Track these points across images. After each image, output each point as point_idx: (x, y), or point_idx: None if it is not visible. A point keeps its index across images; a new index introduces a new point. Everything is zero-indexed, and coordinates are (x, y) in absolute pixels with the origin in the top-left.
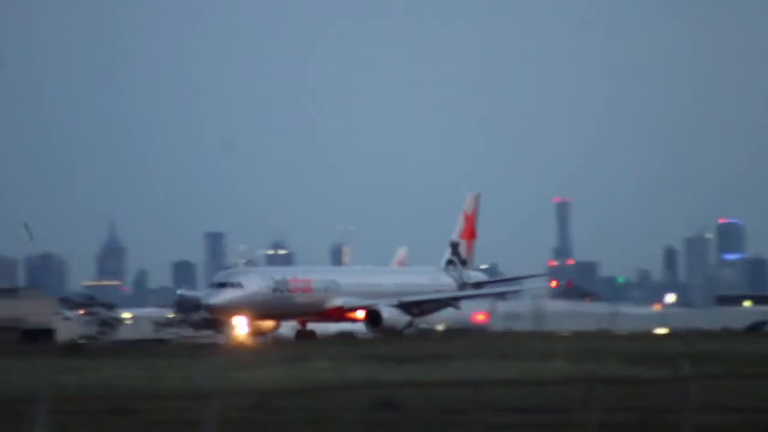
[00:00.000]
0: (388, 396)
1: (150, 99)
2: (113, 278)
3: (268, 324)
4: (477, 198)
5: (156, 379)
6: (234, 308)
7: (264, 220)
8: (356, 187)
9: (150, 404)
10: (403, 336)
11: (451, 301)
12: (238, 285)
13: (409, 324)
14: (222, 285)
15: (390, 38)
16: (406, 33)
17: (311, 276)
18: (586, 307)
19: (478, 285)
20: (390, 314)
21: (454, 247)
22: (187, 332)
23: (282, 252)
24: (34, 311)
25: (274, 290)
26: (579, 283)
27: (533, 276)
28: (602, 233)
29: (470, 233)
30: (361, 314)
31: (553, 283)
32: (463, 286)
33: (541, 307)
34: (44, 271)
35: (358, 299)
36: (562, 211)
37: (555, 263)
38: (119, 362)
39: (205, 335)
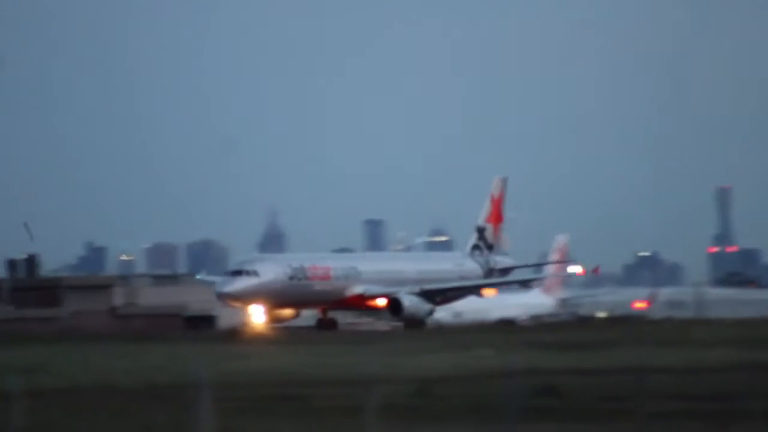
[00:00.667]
0: (549, 383)
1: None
2: None
3: (287, 312)
4: (504, 181)
5: (319, 366)
6: (249, 297)
7: (423, 207)
8: (512, 172)
9: (313, 390)
10: (425, 324)
11: (474, 289)
12: (254, 273)
13: (431, 312)
14: (237, 273)
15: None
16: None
17: (330, 263)
18: (749, 294)
19: (505, 271)
20: (411, 302)
21: (480, 231)
22: (351, 318)
23: (441, 239)
24: (195, 298)
25: (291, 278)
26: (741, 270)
27: (561, 262)
28: (766, 220)
29: (497, 217)
30: (382, 302)
31: (580, 270)
32: (489, 272)
33: (702, 294)
34: (205, 258)
35: (379, 287)
36: (723, 197)
37: (715, 250)
38: (282, 348)
39: (368, 321)
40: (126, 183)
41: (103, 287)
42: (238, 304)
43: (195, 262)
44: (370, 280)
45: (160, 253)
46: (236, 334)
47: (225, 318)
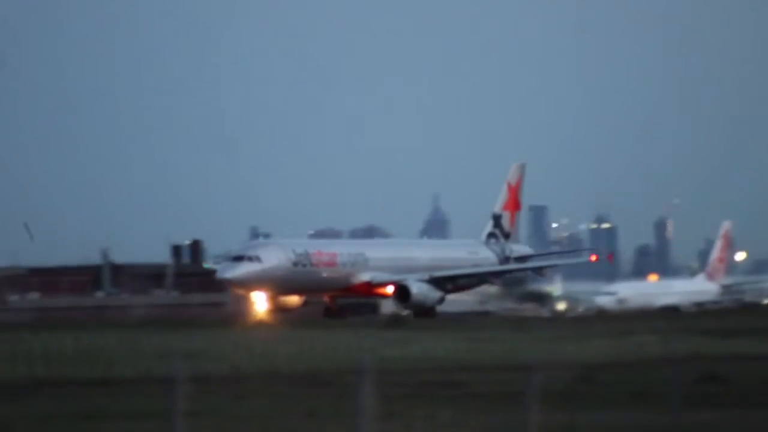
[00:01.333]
0: (713, 370)
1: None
2: None
3: (293, 300)
4: (522, 168)
5: (479, 351)
6: (251, 283)
7: (588, 194)
8: (683, 160)
9: (473, 376)
10: (434, 313)
11: (487, 277)
12: (256, 259)
13: (441, 300)
14: (239, 258)
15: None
16: None
17: (337, 249)
18: None
19: (522, 259)
20: (419, 290)
21: (496, 219)
22: (511, 305)
23: (605, 226)
24: None
25: (296, 264)
26: None
27: (577, 250)
28: None
29: (514, 204)
30: (390, 290)
31: (593, 258)
32: (505, 260)
33: None
34: None
35: (387, 274)
36: None
37: None
38: (442, 335)
39: (529, 308)
40: (291, 169)
41: None
42: (239, 291)
43: None
44: (378, 267)
45: (323, 239)
46: (397, 320)
47: (387, 304)
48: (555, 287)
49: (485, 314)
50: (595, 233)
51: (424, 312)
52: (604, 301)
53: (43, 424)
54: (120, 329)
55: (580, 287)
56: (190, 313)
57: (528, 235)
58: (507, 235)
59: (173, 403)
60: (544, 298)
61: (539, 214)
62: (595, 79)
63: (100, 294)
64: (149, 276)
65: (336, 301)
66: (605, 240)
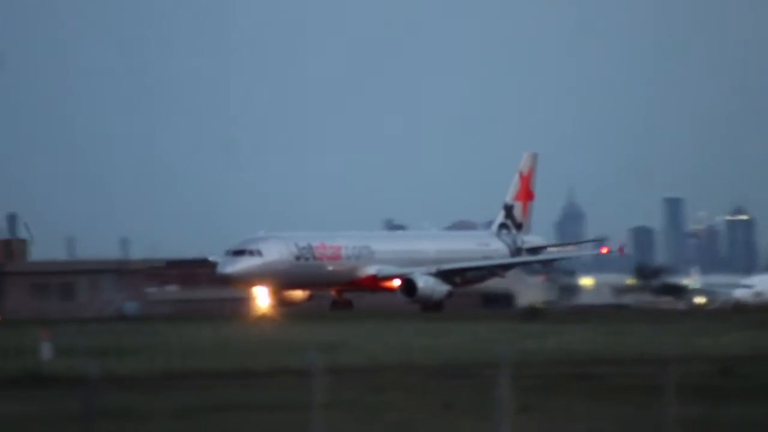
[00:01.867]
0: None
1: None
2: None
3: (298, 295)
4: (534, 157)
5: (616, 344)
6: (252, 278)
7: (725, 185)
8: None
9: (610, 369)
10: (442, 307)
11: (496, 270)
12: (257, 253)
13: (449, 294)
14: (239, 253)
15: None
16: None
17: (341, 242)
18: None
19: (534, 251)
20: (426, 283)
21: (508, 209)
22: (648, 298)
23: (742, 218)
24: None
25: (298, 258)
26: None
27: (590, 241)
28: None
29: (526, 194)
30: (397, 283)
31: (604, 250)
32: (517, 251)
33: None
34: None
35: (393, 267)
36: None
37: None
38: (579, 327)
39: (666, 301)
40: (427, 162)
41: None
42: (239, 286)
43: None
44: (384, 260)
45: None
46: (534, 313)
47: (523, 296)
48: (692, 280)
49: (622, 307)
50: (732, 225)
51: (432, 306)
52: (741, 293)
53: (181, 415)
54: (257, 322)
55: (717, 280)
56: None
57: (663, 228)
58: (519, 226)
59: (310, 394)
60: (680, 291)
61: (675, 206)
62: (736, 70)
63: None
64: None
65: (343, 295)
66: (742, 232)
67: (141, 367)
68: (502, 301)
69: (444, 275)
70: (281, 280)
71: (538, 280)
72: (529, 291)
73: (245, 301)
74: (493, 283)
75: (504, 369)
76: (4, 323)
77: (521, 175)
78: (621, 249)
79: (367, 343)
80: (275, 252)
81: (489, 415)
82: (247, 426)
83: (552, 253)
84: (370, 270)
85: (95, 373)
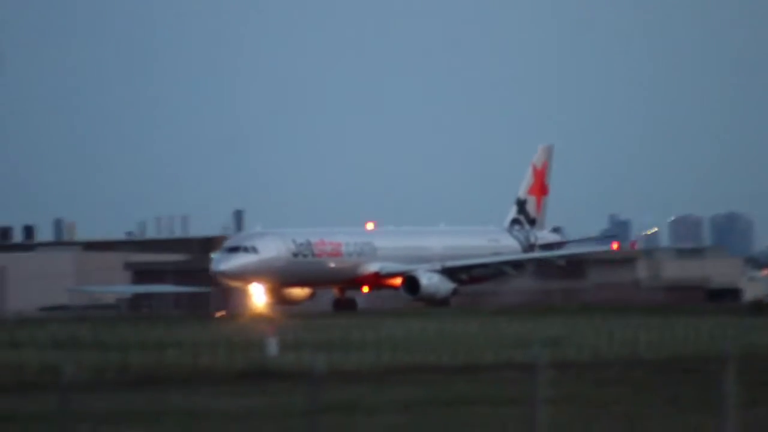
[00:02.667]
0: None
1: None
2: None
3: (299, 293)
4: (548, 150)
5: None
6: (247, 275)
7: None
8: None
9: None
10: (448, 306)
11: (505, 267)
12: (252, 249)
13: (454, 292)
14: (234, 249)
15: None
16: None
17: (341, 238)
18: None
19: (548, 247)
20: (429, 281)
21: (521, 204)
22: None
23: None
24: (719, 271)
25: (296, 255)
26: None
27: (607, 237)
28: None
29: (540, 189)
30: (400, 281)
31: (615, 246)
32: (530, 248)
33: None
34: (730, 231)
35: (397, 264)
36: None
37: None
38: None
39: None
40: (646, 154)
41: (627, 260)
42: (234, 284)
43: (719, 235)
44: (387, 256)
45: (684, 226)
46: (760, 307)
47: (749, 291)
48: None
49: None
50: None
51: (436, 305)
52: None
53: (407, 409)
54: (481, 316)
55: None
56: (551, 300)
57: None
58: (533, 222)
59: (534, 389)
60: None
61: None
62: None
63: None
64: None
65: (345, 293)
66: None
67: (366, 361)
68: (728, 295)
69: (449, 272)
70: (278, 277)
71: (764, 275)
72: (755, 286)
73: (483, 295)
74: (721, 279)
75: (730, 363)
76: (232, 318)
77: (534, 169)
78: (633, 244)
79: (591, 338)
80: (272, 248)
81: (715, 410)
82: (472, 420)
83: (565, 249)
84: (373, 267)
85: (320, 367)
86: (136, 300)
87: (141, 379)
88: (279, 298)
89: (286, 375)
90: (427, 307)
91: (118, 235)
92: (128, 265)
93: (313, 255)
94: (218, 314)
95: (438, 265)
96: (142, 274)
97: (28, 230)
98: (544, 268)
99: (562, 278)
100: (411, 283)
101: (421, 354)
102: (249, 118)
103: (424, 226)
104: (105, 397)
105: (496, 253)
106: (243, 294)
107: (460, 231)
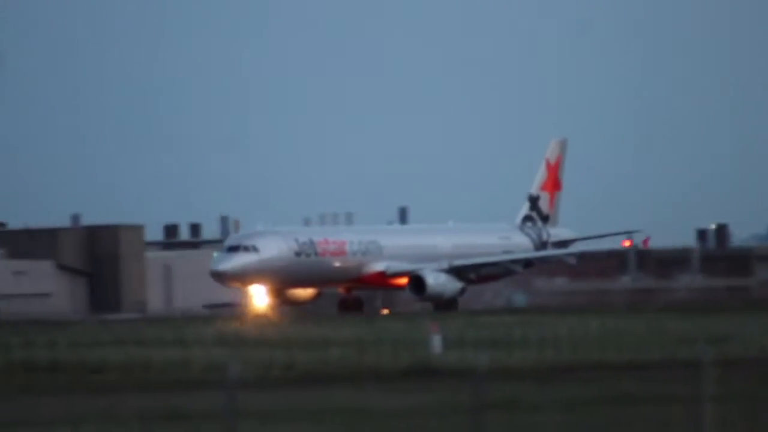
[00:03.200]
0: None
1: None
2: None
3: (304, 293)
4: (562, 144)
5: None
6: (248, 276)
7: None
8: None
9: None
10: (456, 306)
11: (514, 265)
12: (253, 249)
13: (461, 291)
14: (234, 249)
15: None
16: None
17: (346, 237)
18: None
19: (562, 244)
20: (436, 280)
21: (533, 201)
22: None
23: None
24: None
25: (298, 254)
26: None
27: (624, 233)
28: None
29: (554, 184)
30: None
31: (627, 243)
32: (542, 245)
33: None
34: None
35: (403, 263)
36: None
37: None
38: None
39: None
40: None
41: None
42: (234, 284)
43: None
44: (394, 255)
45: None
46: None
47: None
48: None
49: None
50: None
51: (444, 305)
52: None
53: (571, 406)
54: (645, 313)
55: None
56: (716, 298)
57: None
58: (546, 218)
59: (700, 387)
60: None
61: None
62: None
63: (626, 278)
64: (674, 261)
65: (352, 293)
66: None
67: (529, 359)
68: None
69: (457, 271)
70: (280, 277)
71: None
72: None
73: (633, 293)
74: None
75: None
76: (394, 317)
77: (548, 164)
78: (645, 242)
79: (758, 335)
80: (273, 248)
81: None
82: (637, 418)
83: (577, 246)
84: (378, 266)
85: (484, 365)
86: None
87: (306, 377)
88: (282, 299)
89: (450, 372)
90: (435, 308)
91: None
92: None
93: (316, 254)
94: (382, 312)
95: (445, 264)
96: None
97: (195, 228)
98: (708, 265)
99: (727, 276)
100: (417, 282)
101: (585, 351)
102: None
103: (432, 223)
104: (270, 395)
105: (507, 251)
106: (404, 292)
107: (469, 229)
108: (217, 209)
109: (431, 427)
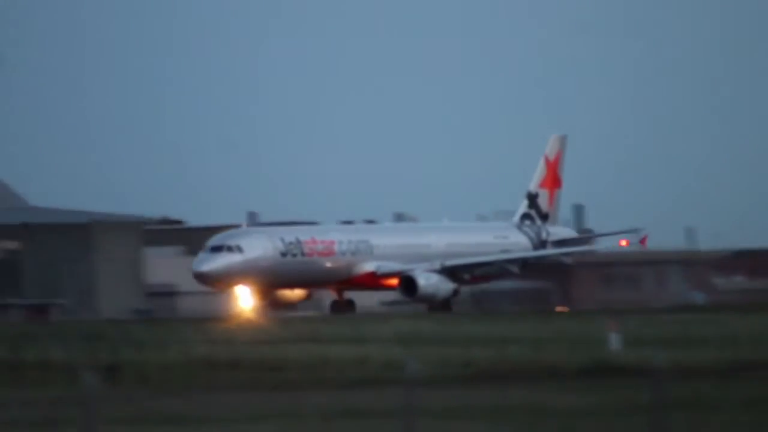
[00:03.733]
0: None
1: None
2: None
3: (294, 294)
4: (562, 140)
5: None
6: (231, 277)
7: None
8: None
9: None
10: (449, 307)
11: (509, 265)
12: (237, 249)
13: (454, 293)
14: (217, 249)
15: None
16: None
17: (335, 237)
18: None
19: (562, 243)
20: (428, 281)
21: (532, 198)
22: None
23: None
24: None
25: (284, 254)
26: None
27: (626, 232)
28: None
29: (553, 182)
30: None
31: (624, 243)
32: (541, 244)
33: None
34: None
35: (395, 263)
36: None
37: None
38: None
39: None
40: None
41: None
42: (217, 286)
43: None
44: (385, 255)
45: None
46: None
47: None
48: None
49: None
50: None
51: (437, 307)
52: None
53: (748, 406)
54: None
55: None
56: None
57: None
58: (545, 217)
59: None
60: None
61: None
62: None
63: None
64: None
65: (343, 294)
66: None
67: (708, 357)
68: None
69: (449, 272)
70: (265, 278)
71: None
72: None
73: None
74: None
75: None
76: (573, 314)
77: (547, 161)
78: (643, 240)
79: None
80: (258, 248)
81: None
82: None
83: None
84: (369, 266)
85: (662, 363)
86: (475, 295)
87: (484, 375)
88: (270, 301)
89: (629, 371)
90: (429, 309)
91: None
92: None
93: (303, 254)
94: (559, 309)
95: (437, 264)
96: None
97: (370, 224)
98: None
99: None
100: (407, 283)
101: (766, 350)
102: None
103: (425, 221)
104: (448, 393)
105: (504, 251)
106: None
107: (464, 227)
108: (391, 206)
109: (611, 426)
